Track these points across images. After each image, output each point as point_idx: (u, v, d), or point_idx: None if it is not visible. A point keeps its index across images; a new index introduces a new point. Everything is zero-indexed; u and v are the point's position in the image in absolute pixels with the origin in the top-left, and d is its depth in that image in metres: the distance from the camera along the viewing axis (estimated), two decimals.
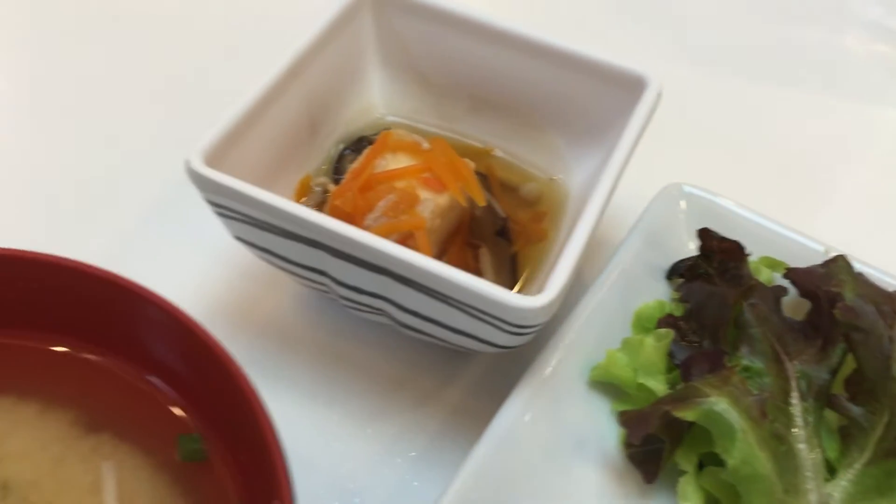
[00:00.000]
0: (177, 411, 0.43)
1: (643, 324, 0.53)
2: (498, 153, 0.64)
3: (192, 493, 0.41)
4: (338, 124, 0.62)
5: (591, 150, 0.60)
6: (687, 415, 0.45)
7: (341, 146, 0.62)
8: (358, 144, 0.62)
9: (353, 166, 0.58)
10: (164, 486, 0.41)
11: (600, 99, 0.58)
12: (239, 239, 0.53)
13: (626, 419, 0.47)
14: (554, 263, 0.47)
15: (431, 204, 0.55)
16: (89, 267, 0.42)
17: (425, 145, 0.58)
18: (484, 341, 0.49)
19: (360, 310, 0.53)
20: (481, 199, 0.56)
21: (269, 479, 0.36)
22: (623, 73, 0.57)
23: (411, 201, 0.55)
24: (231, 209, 0.50)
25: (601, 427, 0.50)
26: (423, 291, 0.47)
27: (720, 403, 0.46)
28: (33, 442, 0.41)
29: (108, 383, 0.44)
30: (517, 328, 0.46)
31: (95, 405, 0.43)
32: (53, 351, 0.44)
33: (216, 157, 0.50)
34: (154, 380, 0.43)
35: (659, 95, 0.55)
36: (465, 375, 0.57)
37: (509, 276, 0.57)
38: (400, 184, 0.56)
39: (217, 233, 0.54)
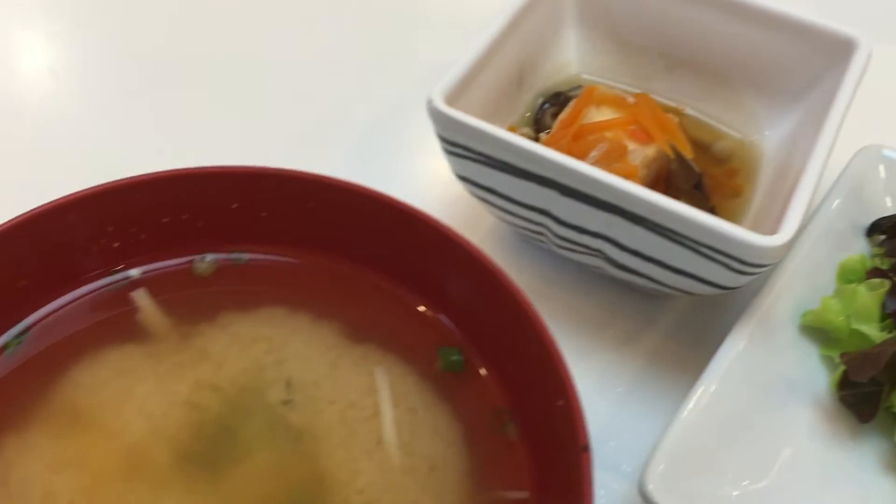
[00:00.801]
0: (437, 324, 0.46)
1: (847, 276, 0.55)
2: (689, 111, 0.66)
3: (452, 401, 0.44)
4: (538, 79, 0.65)
5: (788, 112, 0.62)
6: None
7: (540, 100, 0.65)
8: (555, 99, 0.65)
9: (562, 117, 0.60)
10: (427, 392, 0.44)
11: (803, 60, 0.60)
12: (462, 178, 0.56)
13: (849, 360, 0.49)
14: (783, 209, 0.50)
15: (640, 154, 0.58)
16: (353, 185, 0.46)
17: (630, 100, 0.61)
18: (703, 281, 0.51)
19: (574, 251, 0.56)
20: (688, 150, 0.59)
21: (548, 382, 0.39)
22: (831, 34, 0.58)
23: (621, 151, 0.58)
24: (465, 147, 0.53)
25: (811, 370, 0.52)
26: (652, 230, 0.50)
27: None
28: (310, 347, 0.45)
29: (371, 297, 0.47)
30: (748, 267, 0.48)
31: (359, 318, 0.47)
32: (319, 267, 0.48)
33: (453, 97, 0.53)
34: (414, 294, 0.47)
35: (869, 58, 0.57)
36: (662, 320, 0.59)
37: None
38: (608, 134, 0.59)
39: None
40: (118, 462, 0.41)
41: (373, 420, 0.43)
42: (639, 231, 0.50)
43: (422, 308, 0.47)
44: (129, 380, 0.43)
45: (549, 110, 0.64)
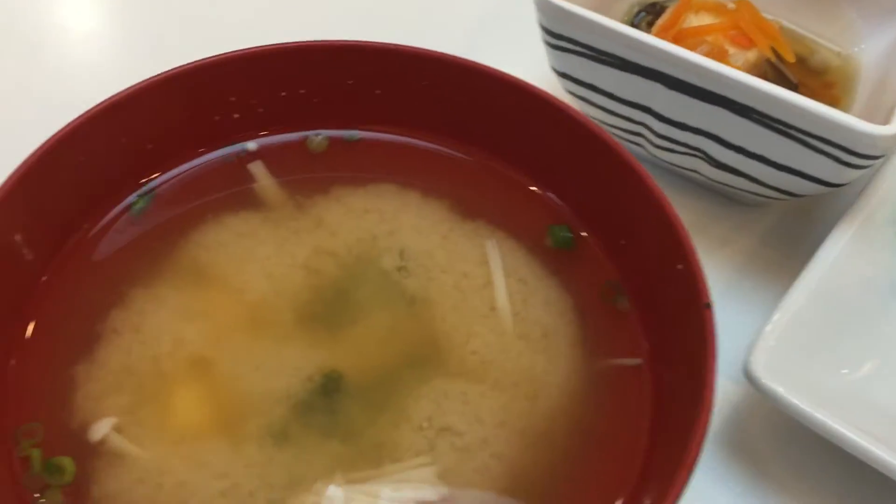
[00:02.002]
0: (547, 202, 0.47)
1: None
2: (785, 24, 0.65)
3: (561, 274, 0.45)
4: None
5: (887, 25, 0.61)
6: None
7: (636, 8, 0.65)
8: (651, 8, 0.65)
9: (660, 22, 0.60)
10: (537, 265, 0.45)
11: None
12: (562, 74, 0.56)
13: None
14: (891, 107, 0.49)
15: (741, 58, 0.57)
16: (469, 62, 0.46)
17: (730, 6, 0.60)
18: (808, 177, 0.51)
19: (673, 150, 0.56)
20: (790, 55, 0.58)
21: (666, 248, 0.40)
22: None
23: (721, 55, 0.57)
24: (570, 39, 0.53)
25: None
26: (759, 122, 0.49)
27: None
28: (421, 220, 0.46)
29: (481, 176, 0.48)
30: (857, 159, 0.48)
31: (469, 196, 0.47)
32: (430, 146, 0.49)
33: None
34: (524, 173, 0.47)
35: None
36: (756, 228, 0.59)
37: None
38: (709, 38, 0.58)
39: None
40: (242, 316, 0.42)
41: (485, 289, 0.44)
42: (744, 124, 0.50)
43: (532, 187, 0.47)
44: (250, 242, 0.45)
45: (645, 18, 0.64)
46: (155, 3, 0.71)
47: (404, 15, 0.71)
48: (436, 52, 0.47)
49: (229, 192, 0.46)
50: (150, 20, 0.70)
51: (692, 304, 0.38)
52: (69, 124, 0.41)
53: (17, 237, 0.40)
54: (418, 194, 0.47)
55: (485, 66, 0.46)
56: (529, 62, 0.62)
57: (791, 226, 0.59)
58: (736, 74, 0.49)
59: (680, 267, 0.39)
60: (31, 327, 0.40)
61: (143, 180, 0.45)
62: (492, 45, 0.69)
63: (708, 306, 0.37)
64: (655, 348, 0.41)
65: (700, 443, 0.33)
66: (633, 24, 0.64)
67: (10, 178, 0.38)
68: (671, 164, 0.59)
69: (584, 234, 0.46)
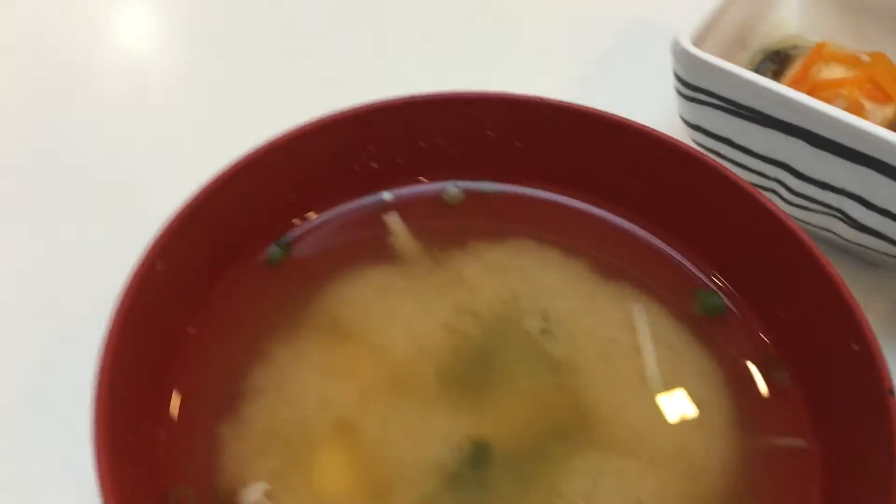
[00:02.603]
0: (694, 265, 0.45)
1: None
2: None
3: (712, 344, 0.43)
4: (756, 36, 0.63)
5: None
6: None
7: (759, 57, 0.63)
8: (775, 56, 0.63)
9: (791, 73, 0.58)
10: (686, 333, 0.43)
11: None
12: (694, 126, 0.54)
13: None
14: None
15: (879, 114, 0.55)
16: (617, 117, 0.45)
17: (864, 58, 0.58)
18: None
19: (808, 209, 0.54)
20: None
21: (838, 326, 0.38)
22: None
23: (859, 109, 0.55)
24: (708, 91, 0.51)
25: None
26: None
27: None
28: (564, 280, 0.45)
29: (622, 235, 0.46)
30: None
31: (611, 256, 0.46)
32: (568, 202, 0.47)
33: (697, 41, 0.51)
34: (670, 233, 0.46)
35: None
36: (888, 289, 0.57)
37: None
38: (843, 92, 0.56)
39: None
40: (386, 376, 0.41)
41: (633, 356, 0.42)
42: (892, 185, 0.48)
43: (676, 248, 0.46)
44: (390, 297, 0.43)
45: (770, 68, 0.62)
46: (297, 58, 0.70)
47: (516, 60, 0.70)
48: (579, 105, 0.45)
49: (366, 243, 0.45)
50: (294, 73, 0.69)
51: (870, 389, 0.36)
52: (224, 172, 0.40)
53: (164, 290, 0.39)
54: (558, 252, 0.46)
55: (629, 122, 0.45)
56: (649, 106, 0.61)
57: None
58: (890, 136, 0.47)
59: (855, 347, 0.37)
60: (178, 383, 0.39)
61: (282, 230, 0.44)
62: (607, 88, 0.68)
63: (892, 392, 0.35)
64: (823, 432, 0.39)
65: None
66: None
67: (165, 231, 0.38)
68: (803, 221, 0.56)
69: (734, 301, 0.44)
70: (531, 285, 0.44)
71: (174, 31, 0.73)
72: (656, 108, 0.62)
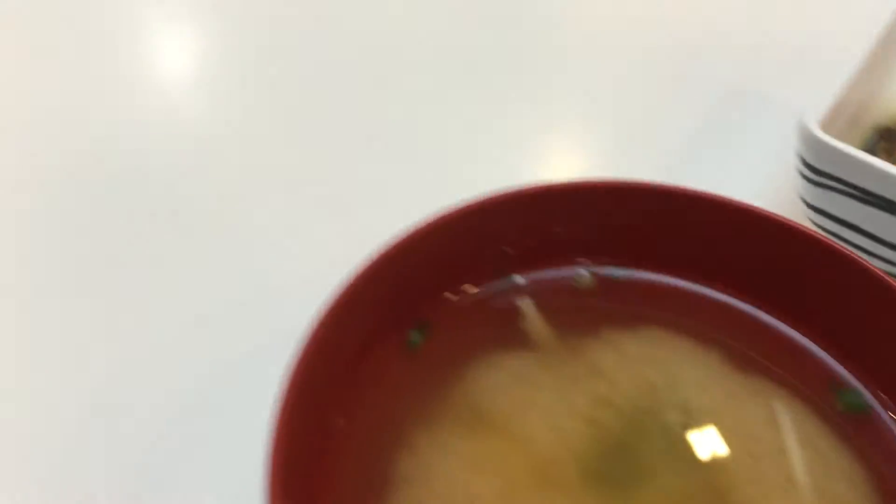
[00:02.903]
0: (832, 359, 0.44)
1: None
2: None
3: (856, 444, 0.42)
4: (867, 114, 0.63)
5: None
6: None
7: (868, 132, 0.63)
8: (888, 134, 0.62)
9: None
10: (829, 432, 0.42)
11: None
12: (817, 210, 0.54)
13: None
14: None
15: None
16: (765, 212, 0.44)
17: None
18: None
19: None
20: None
21: None
22: None
23: None
24: (837, 178, 0.51)
25: None
26: None
27: None
28: (701, 373, 0.44)
29: (752, 325, 0.46)
30: None
31: (741, 346, 0.45)
32: (697, 290, 0.47)
33: (825, 124, 0.51)
34: (805, 326, 0.45)
35: None
36: None
37: None
38: None
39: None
40: (529, 470, 0.40)
41: (778, 456, 0.41)
42: None
43: (812, 341, 0.45)
44: (528, 387, 0.43)
45: (882, 146, 0.62)
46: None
47: (605, 143, 0.70)
48: (711, 194, 0.45)
49: (499, 328, 0.45)
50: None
51: None
52: (377, 258, 0.40)
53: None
54: (690, 342, 0.45)
55: (764, 212, 0.45)
56: (760, 183, 0.61)
57: None
58: None
59: None
60: (329, 475, 0.39)
61: (420, 314, 0.44)
62: (706, 167, 0.68)
63: None
64: None
65: None
66: (868, 150, 0.62)
67: (320, 322, 0.38)
68: None
69: (878, 399, 0.43)
70: (668, 377, 0.44)
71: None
72: (768, 184, 0.62)
